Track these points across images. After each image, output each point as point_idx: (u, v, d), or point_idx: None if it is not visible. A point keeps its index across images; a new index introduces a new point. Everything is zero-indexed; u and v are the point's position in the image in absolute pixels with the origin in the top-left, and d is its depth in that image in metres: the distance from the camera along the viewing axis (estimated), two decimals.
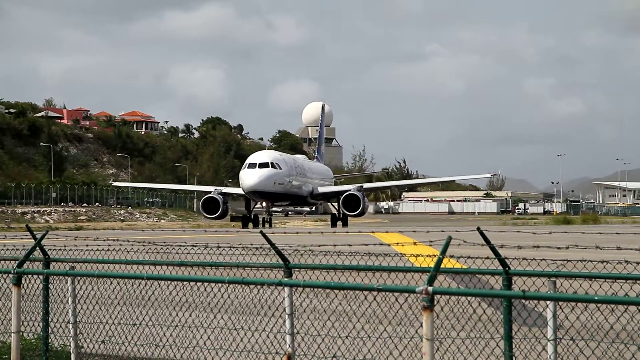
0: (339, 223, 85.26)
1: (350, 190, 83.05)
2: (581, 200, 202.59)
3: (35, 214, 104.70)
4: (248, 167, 77.95)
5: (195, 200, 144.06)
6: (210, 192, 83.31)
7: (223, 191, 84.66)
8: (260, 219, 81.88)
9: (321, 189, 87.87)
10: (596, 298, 7.91)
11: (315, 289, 13.63)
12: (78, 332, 12.72)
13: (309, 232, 17.10)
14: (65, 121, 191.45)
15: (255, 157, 79.61)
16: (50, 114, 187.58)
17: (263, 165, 78.21)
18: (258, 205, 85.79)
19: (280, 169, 78.86)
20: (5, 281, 13.24)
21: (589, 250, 11.37)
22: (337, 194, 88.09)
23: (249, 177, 77.31)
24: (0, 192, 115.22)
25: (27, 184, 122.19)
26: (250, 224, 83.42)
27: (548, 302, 9.68)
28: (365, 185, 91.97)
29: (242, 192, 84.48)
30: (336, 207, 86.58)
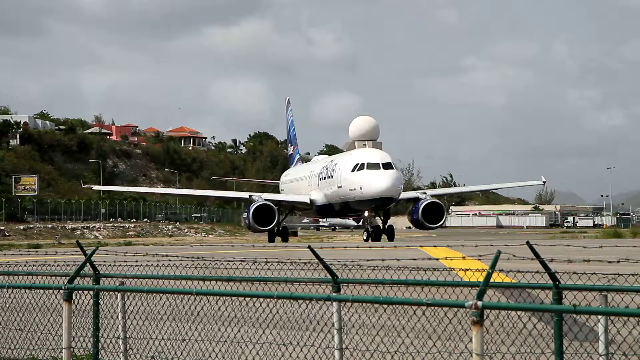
0: (382, 236, 69.95)
1: (427, 198, 69.83)
2: (632, 214, 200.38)
3: (85, 230, 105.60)
4: (367, 168, 64.49)
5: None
6: (254, 200, 71.52)
7: (264, 197, 72.63)
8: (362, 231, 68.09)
9: None
10: None
11: (364, 304, 13.60)
12: (128, 347, 12.79)
13: (357, 247, 16.89)
14: (114, 137, 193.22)
15: (371, 156, 66.02)
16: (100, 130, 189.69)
17: (387, 165, 64.88)
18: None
19: (397, 170, 66.21)
20: (56, 297, 13.35)
21: None
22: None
23: (379, 180, 63.72)
24: (50, 208, 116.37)
25: (77, 200, 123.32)
26: (278, 238, 73.22)
27: (599, 316, 9.58)
28: (429, 192, 78.53)
29: (274, 200, 73.65)
30: (382, 217, 70.96)
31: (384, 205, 65.89)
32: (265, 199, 71.22)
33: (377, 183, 63.63)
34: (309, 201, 73.99)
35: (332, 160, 73.41)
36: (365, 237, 66.85)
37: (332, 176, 70.01)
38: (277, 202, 74.33)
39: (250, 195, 74.70)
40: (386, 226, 70.79)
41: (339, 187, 67.60)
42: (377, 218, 71.22)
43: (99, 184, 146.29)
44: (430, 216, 68.31)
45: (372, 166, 64.41)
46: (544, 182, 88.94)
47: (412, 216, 70.25)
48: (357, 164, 65.41)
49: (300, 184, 79.98)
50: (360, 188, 64.49)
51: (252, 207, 69.83)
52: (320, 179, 73.54)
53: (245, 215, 71.83)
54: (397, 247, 18.76)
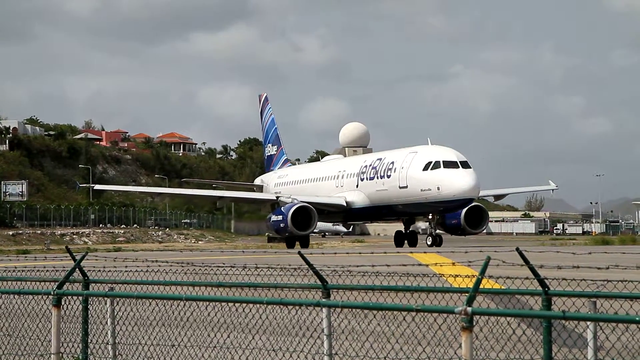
0: (410, 241, 66.10)
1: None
2: (620, 221, 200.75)
3: (74, 236, 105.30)
4: (444, 167, 58.67)
5: (232, 221, 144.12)
6: (284, 201, 66.62)
7: (299, 199, 66.44)
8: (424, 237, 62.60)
9: None
10: (637, 319, 7.82)
11: (354, 310, 13.58)
12: (117, 353, 12.77)
13: (347, 253, 16.91)
14: (104, 143, 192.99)
15: (446, 154, 60.14)
16: (90, 135, 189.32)
17: (465, 164, 59.13)
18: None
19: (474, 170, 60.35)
20: (45, 302, 13.32)
21: (629, 271, 11.28)
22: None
23: (462, 180, 57.90)
24: (40, 213, 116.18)
25: (66, 205, 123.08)
26: (297, 244, 66.41)
27: (588, 322, 9.60)
28: None
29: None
30: (405, 223, 68.07)
31: (458, 207, 60.55)
32: (302, 201, 65.34)
33: (460, 183, 57.82)
34: (344, 203, 67.45)
35: (380, 159, 66.41)
36: (430, 243, 60.44)
37: (387, 175, 63.53)
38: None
39: (277, 197, 69.99)
40: (408, 231, 67.10)
41: (402, 187, 61.32)
42: (400, 223, 66.85)
43: (89, 190, 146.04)
44: (470, 221, 62.89)
45: (450, 164, 58.69)
46: (556, 187, 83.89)
47: (449, 220, 63.68)
48: (430, 162, 59.38)
49: (320, 185, 72.93)
50: (438, 188, 58.38)
51: (291, 209, 63.72)
52: (361, 179, 67.04)
53: (279, 217, 64.76)
54: (386, 254, 18.80)
